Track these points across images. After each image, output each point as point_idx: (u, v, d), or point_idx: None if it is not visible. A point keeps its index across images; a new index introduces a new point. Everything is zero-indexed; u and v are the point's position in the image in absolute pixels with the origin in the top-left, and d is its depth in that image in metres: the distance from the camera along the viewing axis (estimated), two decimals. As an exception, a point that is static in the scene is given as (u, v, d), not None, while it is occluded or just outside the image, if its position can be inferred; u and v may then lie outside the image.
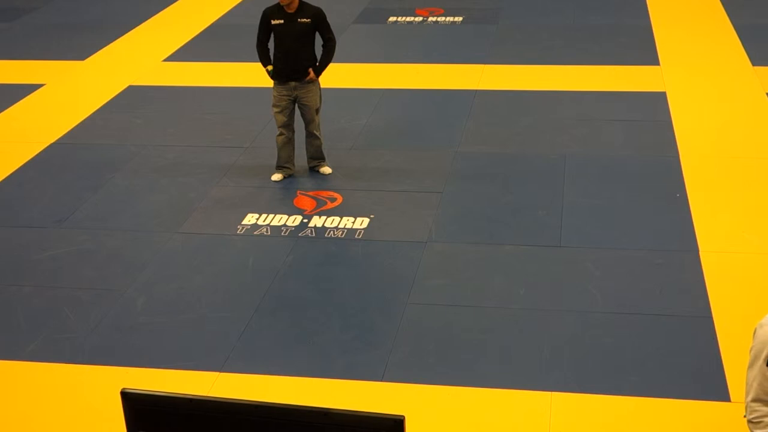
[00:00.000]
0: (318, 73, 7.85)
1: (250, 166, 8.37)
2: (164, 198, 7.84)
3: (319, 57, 7.88)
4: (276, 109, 7.90)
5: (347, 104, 9.71)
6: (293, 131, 8.02)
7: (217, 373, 5.58)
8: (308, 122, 7.97)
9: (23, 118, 9.70)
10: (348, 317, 6.10)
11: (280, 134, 7.99)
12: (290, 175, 8.09)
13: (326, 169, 8.13)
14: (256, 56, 8.00)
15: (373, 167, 8.26)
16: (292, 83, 7.81)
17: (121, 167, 8.43)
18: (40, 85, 10.53)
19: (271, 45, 7.88)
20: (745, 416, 3.34)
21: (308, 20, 7.72)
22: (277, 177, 8.05)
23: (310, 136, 8.05)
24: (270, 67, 7.81)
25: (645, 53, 10.83)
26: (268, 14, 7.77)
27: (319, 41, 7.87)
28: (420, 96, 9.93)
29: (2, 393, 5.49)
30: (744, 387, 3.38)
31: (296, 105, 7.94)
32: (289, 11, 7.69)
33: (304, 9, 7.73)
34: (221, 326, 6.03)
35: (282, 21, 7.69)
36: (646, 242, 6.84)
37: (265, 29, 7.80)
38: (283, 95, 7.86)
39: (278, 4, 7.75)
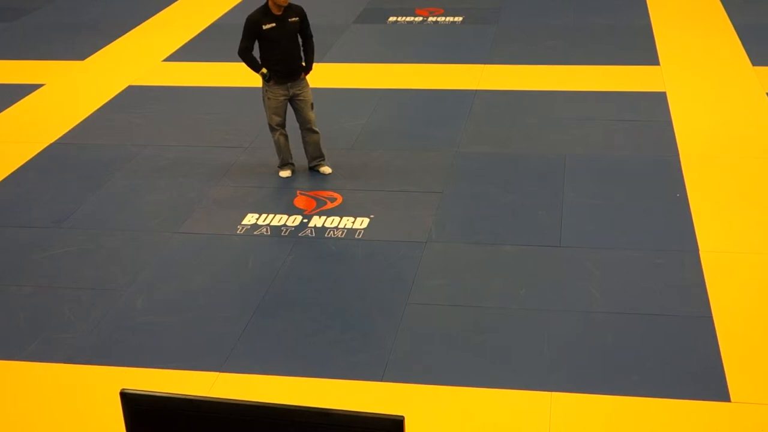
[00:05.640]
0: (308, 72, 7.94)
1: (250, 166, 8.37)
2: (164, 198, 7.84)
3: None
4: (273, 111, 7.91)
5: (347, 104, 9.71)
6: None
7: (217, 373, 5.58)
8: (306, 119, 7.98)
9: (23, 118, 9.70)
10: (348, 317, 6.10)
11: (281, 134, 8.02)
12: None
13: (326, 169, 8.14)
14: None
15: (373, 167, 8.26)
16: (288, 83, 7.84)
17: (121, 167, 8.43)
18: (40, 85, 10.53)
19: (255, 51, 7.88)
20: None
21: (297, 19, 7.80)
22: (287, 173, 8.11)
23: (310, 132, 8.05)
24: (265, 71, 7.79)
25: (645, 53, 10.83)
26: (256, 20, 7.68)
27: None
28: (420, 96, 9.93)
29: (2, 393, 5.49)
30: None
31: (288, 104, 7.98)
32: (279, 13, 7.71)
33: (290, 8, 7.78)
34: (221, 326, 6.03)
35: (274, 24, 7.70)
36: (646, 242, 6.84)
37: (253, 36, 7.74)
38: (280, 95, 7.88)
39: (263, 8, 7.72)
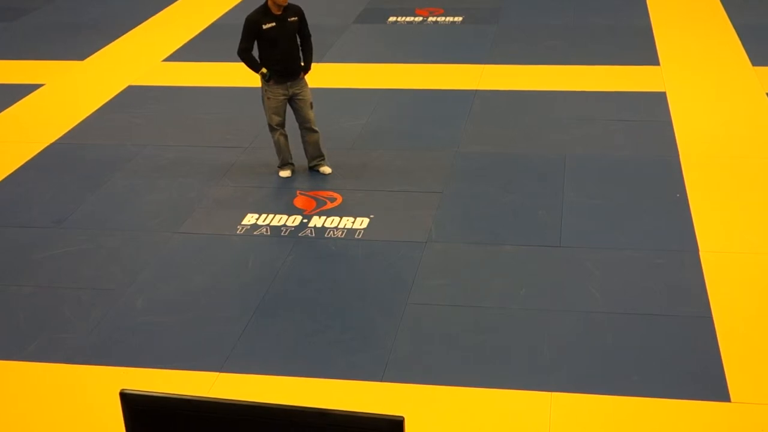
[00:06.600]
0: (307, 71, 7.96)
1: (250, 166, 8.37)
2: (164, 198, 7.84)
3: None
4: (273, 111, 7.92)
5: (347, 104, 9.71)
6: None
7: (217, 373, 5.57)
8: (306, 119, 7.99)
9: (23, 118, 9.70)
10: (348, 317, 6.10)
11: (281, 134, 8.03)
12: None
13: (326, 169, 8.14)
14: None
15: (373, 167, 8.26)
16: (288, 83, 7.85)
17: (121, 167, 8.43)
18: (40, 85, 10.53)
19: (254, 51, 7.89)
20: None
21: (296, 18, 7.82)
22: (287, 173, 8.11)
23: (310, 132, 8.06)
24: (265, 70, 7.79)
25: (645, 53, 10.83)
26: (256, 20, 7.68)
27: None
28: (420, 96, 9.92)
29: (2, 393, 5.49)
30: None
31: (287, 104, 7.99)
32: (279, 13, 7.71)
33: (289, 8, 7.78)
34: (221, 326, 6.03)
35: (274, 24, 7.70)
36: (646, 242, 6.83)
37: (253, 36, 7.74)
38: (280, 95, 7.88)
39: (263, 8, 7.72)
